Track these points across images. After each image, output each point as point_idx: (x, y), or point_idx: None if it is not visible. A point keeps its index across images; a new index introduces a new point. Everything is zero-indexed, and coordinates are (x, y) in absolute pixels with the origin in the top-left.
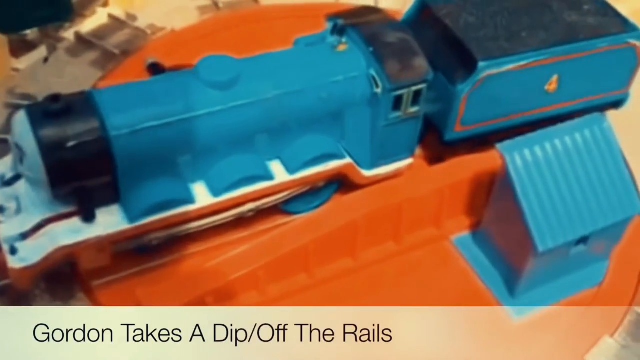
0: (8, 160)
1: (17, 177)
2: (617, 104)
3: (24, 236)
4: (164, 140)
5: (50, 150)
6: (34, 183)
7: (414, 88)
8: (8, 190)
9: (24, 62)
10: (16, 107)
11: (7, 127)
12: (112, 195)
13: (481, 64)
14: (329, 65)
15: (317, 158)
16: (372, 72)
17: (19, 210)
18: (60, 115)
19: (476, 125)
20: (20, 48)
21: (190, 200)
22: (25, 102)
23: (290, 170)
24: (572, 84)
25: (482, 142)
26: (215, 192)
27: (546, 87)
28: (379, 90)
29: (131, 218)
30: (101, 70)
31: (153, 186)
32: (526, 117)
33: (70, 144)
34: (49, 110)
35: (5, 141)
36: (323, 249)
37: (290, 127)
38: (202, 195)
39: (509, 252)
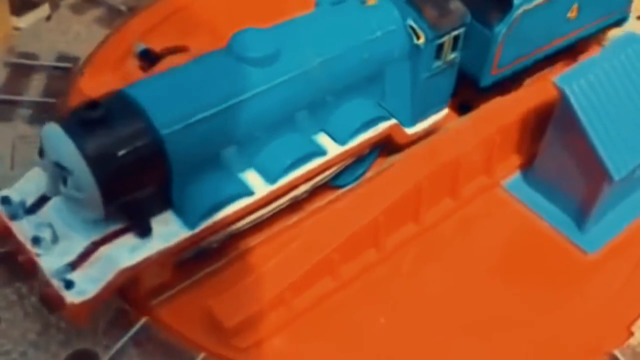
0: (23, 185)
1: (40, 203)
2: (620, 22)
3: (73, 266)
4: (215, 130)
5: (101, 164)
6: (81, 203)
7: (453, 33)
8: (35, 218)
9: (25, 21)
10: (16, 66)
11: (7, 87)
12: (163, 201)
13: (516, 1)
14: (364, 22)
15: (366, 124)
16: (411, 22)
17: (56, 239)
18: (102, 123)
19: (509, 66)
20: (21, 6)
21: (248, 192)
22: (26, 61)
23: (340, 141)
24: (589, 8)
25: (510, 81)
26: (271, 179)
27: (568, 15)
28: (420, 42)
29: (191, 223)
30: (107, 27)
31: (207, 184)
32: (550, 48)
33: (122, 152)
34: (88, 119)
35: (5, 102)
36: (391, 218)
37: (333, 95)
38: (257, 185)
39: (573, 186)
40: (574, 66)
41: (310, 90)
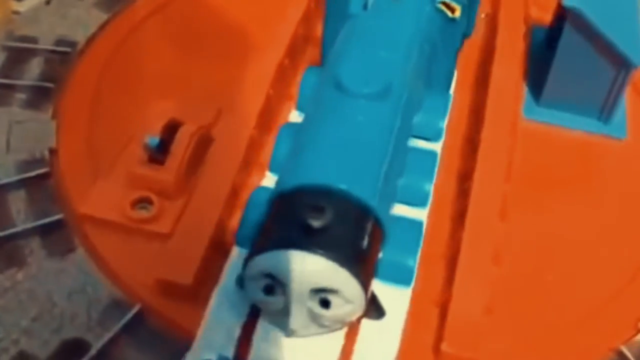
0: (208, 340)
1: (242, 349)
2: None
3: None
4: (389, 179)
5: (360, 267)
6: (343, 317)
7: None
8: None
9: (25, 5)
10: (15, 50)
11: (5, 71)
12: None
13: None
14: (409, 15)
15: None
16: None
17: None
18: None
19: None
20: None
21: (420, 224)
22: (25, 45)
23: (435, 138)
24: None
25: None
26: (420, 203)
27: None
28: (456, 14)
29: (407, 281)
30: (107, 12)
31: (393, 236)
32: None
33: (364, 244)
34: (320, 228)
35: (2, 86)
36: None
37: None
38: (415, 214)
39: (594, 88)
40: None
41: (414, 103)
